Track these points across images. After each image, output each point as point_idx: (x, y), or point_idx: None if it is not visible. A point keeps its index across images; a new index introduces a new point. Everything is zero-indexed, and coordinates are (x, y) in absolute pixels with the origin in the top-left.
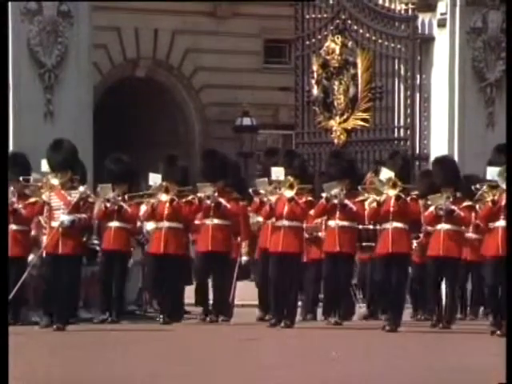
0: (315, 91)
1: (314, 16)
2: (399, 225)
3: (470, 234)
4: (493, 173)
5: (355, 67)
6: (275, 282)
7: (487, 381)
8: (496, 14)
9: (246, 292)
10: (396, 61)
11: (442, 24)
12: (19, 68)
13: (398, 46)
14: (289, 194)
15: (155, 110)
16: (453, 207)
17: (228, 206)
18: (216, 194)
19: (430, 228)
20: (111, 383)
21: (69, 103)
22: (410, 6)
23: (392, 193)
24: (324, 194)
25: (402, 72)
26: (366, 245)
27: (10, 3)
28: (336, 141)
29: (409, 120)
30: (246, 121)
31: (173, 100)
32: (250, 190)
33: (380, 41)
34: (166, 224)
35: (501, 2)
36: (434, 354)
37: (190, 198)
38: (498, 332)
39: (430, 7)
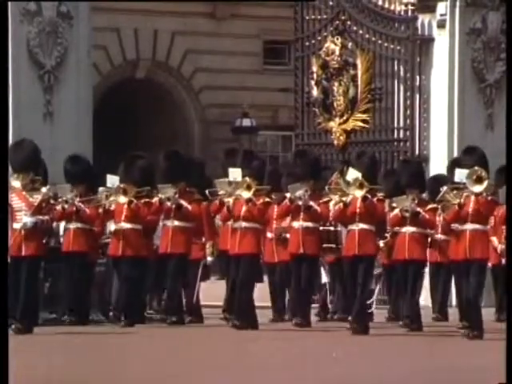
0: (315, 92)
1: (313, 17)
2: (365, 226)
3: (440, 236)
4: (461, 175)
5: (355, 68)
6: (232, 283)
7: (487, 381)
8: (496, 14)
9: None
10: (396, 62)
11: (441, 25)
12: (19, 69)
13: (398, 47)
14: (246, 195)
15: (155, 111)
16: (418, 209)
17: (189, 207)
18: (177, 196)
19: (397, 228)
20: (111, 383)
21: (68, 104)
22: (410, 7)
23: (359, 193)
24: (288, 195)
25: (402, 73)
26: (327, 246)
27: (9, 4)
28: (336, 142)
29: (408, 121)
30: (246, 122)
31: (172, 101)
32: (207, 192)
33: (380, 42)
34: (124, 225)
35: (500, 3)
36: (431, 355)
37: (156, 199)
38: (472, 333)
39: (430, 8)
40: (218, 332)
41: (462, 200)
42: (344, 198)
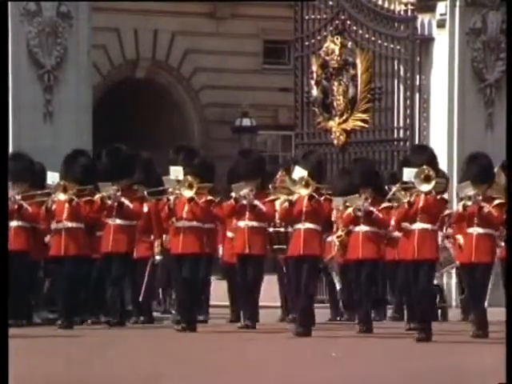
0: (314, 92)
1: (313, 17)
2: (311, 225)
3: (397, 233)
4: (409, 174)
5: (355, 68)
6: (175, 283)
7: (487, 381)
8: (495, 14)
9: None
10: (395, 61)
11: (441, 25)
12: (19, 69)
13: (398, 47)
14: (188, 193)
15: (155, 110)
16: (371, 208)
17: (131, 205)
18: (119, 194)
19: (351, 227)
20: (111, 383)
21: (68, 104)
22: (410, 6)
23: (305, 192)
24: (233, 194)
25: (402, 73)
26: (278, 247)
27: (9, 4)
28: (335, 141)
29: (408, 121)
30: (246, 121)
31: (172, 101)
32: (161, 189)
33: (379, 41)
34: (65, 224)
35: (500, 3)
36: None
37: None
38: (419, 336)
39: (430, 8)
40: (215, 332)
41: (412, 199)
42: (290, 197)
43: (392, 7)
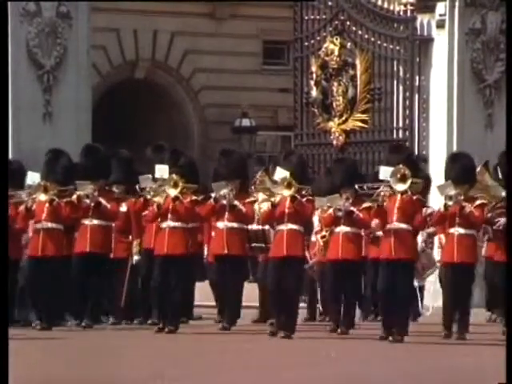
0: (314, 92)
1: (312, 17)
2: (294, 226)
3: (380, 233)
4: (386, 173)
5: (354, 68)
6: (159, 285)
7: (487, 381)
8: (495, 15)
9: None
10: (395, 62)
11: (440, 25)
12: (18, 69)
13: (397, 47)
14: (173, 192)
15: (154, 111)
16: (352, 209)
17: (108, 205)
18: (96, 193)
19: (332, 228)
20: (111, 383)
21: (68, 104)
22: (409, 7)
23: (287, 193)
24: (213, 194)
25: (401, 73)
26: (256, 245)
27: (9, 4)
28: (335, 142)
29: (408, 121)
30: (245, 122)
31: (172, 101)
32: (137, 187)
33: (379, 42)
34: (44, 225)
35: (500, 3)
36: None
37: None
38: (395, 338)
39: (429, 8)
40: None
41: (385, 199)
42: (272, 198)
43: (391, 8)
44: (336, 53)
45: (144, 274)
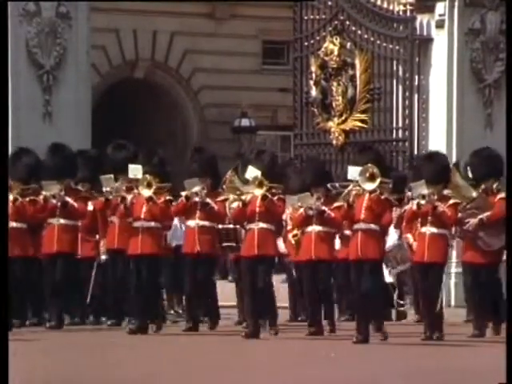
0: (313, 92)
1: (312, 17)
2: (265, 225)
3: (349, 232)
4: (354, 172)
5: (353, 68)
6: (136, 286)
7: (487, 381)
8: (494, 15)
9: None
10: (394, 62)
11: (440, 25)
12: (18, 69)
13: (397, 47)
14: (146, 193)
15: (154, 111)
16: (323, 208)
17: (75, 204)
18: (62, 193)
19: (304, 227)
20: (111, 383)
21: (67, 104)
22: (409, 7)
23: (258, 192)
24: (183, 192)
25: (401, 73)
26: (226, 244)
27: (9, 5)
28: (334, 142)
29: (407, 121)
30: (245, 122)
31: (171, 101)
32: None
33: (378, 42)
34: (9, 224)
35: (499, 3)
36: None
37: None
38: (357, 338)
39: (429, 8)
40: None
41: (351, 199)
42: (243, 197)
43: (391, 8)
44: (335, 53)
45: (110, 275)
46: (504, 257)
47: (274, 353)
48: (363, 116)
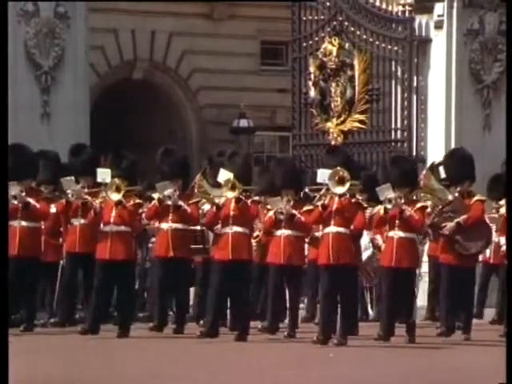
0: (312, 93)
1: (310, 18)
2: (239, 229)
3: (319, 233)
4: (323, 175)
5: (352, 69)
6: (100, 291)
7: (487, 381)
8: (493, 15)
9: None
10: (393, 62)
11: (438, 26)
12: (16, 70)
13: (395, 48)
14: (115, 197)
15: (152, 111)
16: (293, 211)
17: (37, 205)
18: (23, 194)
19: (273, 231)
20: (111, 383)
21: (65, 105)
22: (407, 7)
23: (231, 195)
24: (155, 195)
25: (399, 74)
26: (194, 247)
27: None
28: (333, 143)
29: (406, 122)
30: (243, 122)
31: (169, 102)
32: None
33: (377, 42)
34: None
35: (498, 4)
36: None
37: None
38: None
39: (427, 9)
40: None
41: (326, 201)
42: (217, 200)
43: (390, 8)
44: (334, 53)
45: (67, 279)
46: (480, 257)
47: (274, 353)
48: (362, 117)
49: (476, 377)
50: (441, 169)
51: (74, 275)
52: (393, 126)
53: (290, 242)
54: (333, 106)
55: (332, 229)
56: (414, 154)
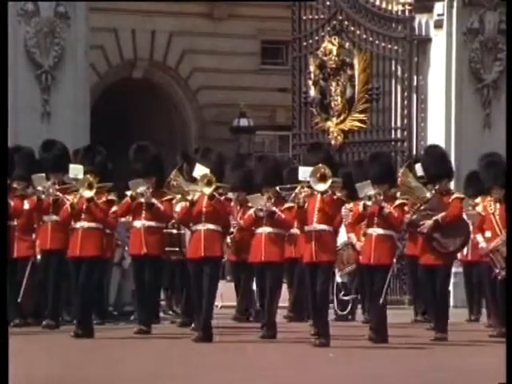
0: (312, 92)
1: (310, 17)
2: (212, 226)
3: (296, 230)
4: (305, 173)
5: (352, 68)
6: (83, 287)
7: (487, 381)
8: (493, 14)
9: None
10: (393, 62)
11: (438, 25)
12: (16, 69)
13: (395, 47)
14: (88, 193)
15: (152, 111)
16: (274, 209)
17: (11, 203)
18: None
19: (242, 222)
20: (111, 383)
21: (66, 104)
22: (407, 7)
23: (208, 191)
24: (129, 192)
25: (399, 73)
26: (170, 249)
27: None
28: (333, 142)
29: (406, 121)
30: (243, 122)
31: (170, 101)
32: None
33: (377, 42)
34: None
35: (498, 3)
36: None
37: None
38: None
39: (427, 8)
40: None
41: (301, 200)
42: (190, 197)
43: (390, 7)
44: (334, 52)
45: (42, 276)
46: (459, 256)
47: (273, 353)
48: (362, 116)
49: (476, 377)
50: (417, 166)
51: (46, 273)
52: (393, 125)
53: (271, 240)
54: (333, 105)
55: (313, 227)
56: (414, 153)
